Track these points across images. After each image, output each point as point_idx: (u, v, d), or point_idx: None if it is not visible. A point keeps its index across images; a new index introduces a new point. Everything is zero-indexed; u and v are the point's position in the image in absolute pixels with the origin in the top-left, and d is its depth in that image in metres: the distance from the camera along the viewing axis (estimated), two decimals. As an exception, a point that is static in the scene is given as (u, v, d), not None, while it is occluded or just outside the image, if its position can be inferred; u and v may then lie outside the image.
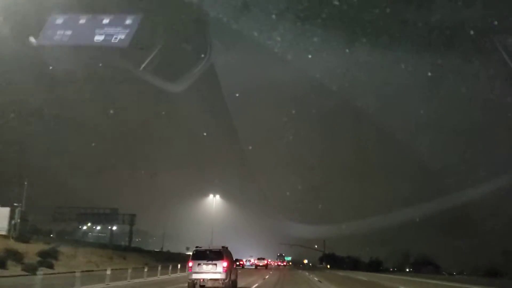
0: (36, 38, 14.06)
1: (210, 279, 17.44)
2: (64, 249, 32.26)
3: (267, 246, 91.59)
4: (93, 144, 44.81)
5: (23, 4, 16.82)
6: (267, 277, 30.78)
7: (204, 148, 67.38)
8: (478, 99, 27.69)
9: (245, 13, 16.95)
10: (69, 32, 13.36)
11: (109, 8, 13.17)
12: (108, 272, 19.21)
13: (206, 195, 67.37)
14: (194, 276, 17.31)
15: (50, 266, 25.05)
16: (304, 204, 78.38)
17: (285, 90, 35.48)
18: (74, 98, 28.16)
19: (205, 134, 54.12)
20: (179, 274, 28.89)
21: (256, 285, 22.04)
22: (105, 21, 12.88)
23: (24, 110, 29.13)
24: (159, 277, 25.19)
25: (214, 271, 17.20)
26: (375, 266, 72.84)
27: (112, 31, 12.77)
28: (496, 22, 16.02)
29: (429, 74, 21.70)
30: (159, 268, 26.93)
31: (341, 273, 50.03)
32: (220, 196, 67.70)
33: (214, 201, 66.20)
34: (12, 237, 31.90)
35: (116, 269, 25.80)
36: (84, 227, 68.36)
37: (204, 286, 18.60)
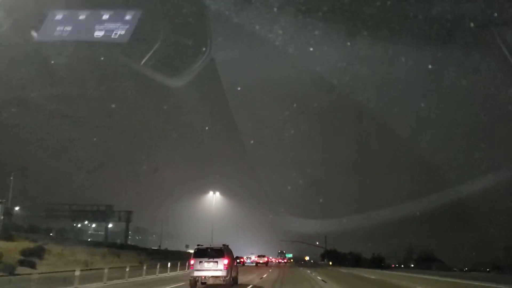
0: (36, 33, 14.06)
1: (212, 276, 17.79)
2: (52, 247, 31.35)
3: (268, 243, 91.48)
4: (95, 139, 44.93)
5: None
6: (265, 276, 28.24)
7: (204, 143, 67.59)
8: (478, 92, 27.71)
9: (247, 6, 16.95)
10: (69, 28, 13.32)
11: (109, 4, 13.14)
12: (106, 271, 18.81)
13: (206, 192, 67.05)
14: (196, 273, 17.65)
15: (32, 266, 23.79)
16: (305, 198, 78.70)
17: (286, 84, 35.44)
18: (74, 94, 28.16)
19: (207, 128, 54.11)
20: (169, 274, 27.32)
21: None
22: (105, 16, 12.86)
23: (24, 105, 29.18)
24: (144, 277, 23.14)
25: (215, 268, 17.54)
26: (377, 263, 72.36)
27: (112, 27, 12.74)
28: (496, 14, 15.99)
29: (430, 67, 21.70)
30: (144, 267, 24.57)
31: (344, 270, 47.60)
32: (220, 193, 67.48)
33: (214, 198, 65.86)
34: (-6, 235, 30.60)
35: (105, 268, 24.70)
36: (79, 225, 67.19)
37: (205, 283, 18.97)
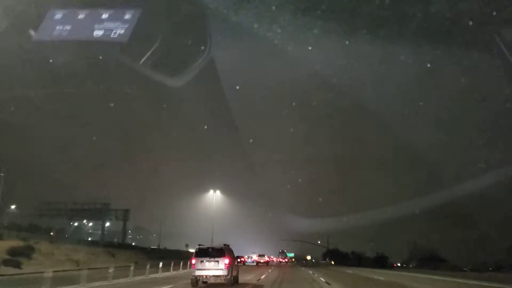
0: (35, 32, 14.07)
1: (213, 276, 18.17)
2: (44, 246, 30.79)
3: (269, 243, 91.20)
4: (94, 138, 44.89)
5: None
6: (263, 277, 26.60)
7: (204, 142, 67.50)
8: (477, 91, 27.74)
9: (245, 5, 17.00)
10: (68, 27, 13.45)
11: (108, 3, 13.18)
12: (85, 272, 18.14)
13: (207, 190, 66.42)
14: (197, 272, 18.12)
15: (18, 266, 23.43)
16: (304, 197, 78.72)
17: (285, 82, 35.52)
18: (72, 93, 28.15)
19: (206, 127, 54.14)
20: (160, 274, 25.94)
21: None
22: (105, 16, 12.95)
23: (23, 105, 29.18)
24: (129, 279, 21.75)
25: (216, 267, 18.01)
26: (381, 262, 71.76)
27: (112, 26, 12.84)
28: (494, 13, 16.02)
29: (429, 65, 21.72)
30: (131, 268, 23.06)
31: (349, 270, 45.17)
32: (221, 192, 66.86)
33: (214, 196, 65.09)
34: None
35: (96, 268, 24.49)
36: (75, 223, 65.50)
37: (206, 282, 19.27)
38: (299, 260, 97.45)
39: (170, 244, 75.11)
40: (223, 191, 67.24)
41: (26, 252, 26.76)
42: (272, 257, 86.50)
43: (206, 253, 18.27)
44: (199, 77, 19.66)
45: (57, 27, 13.50)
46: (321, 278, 26.10)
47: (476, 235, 55.02)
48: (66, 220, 58.60)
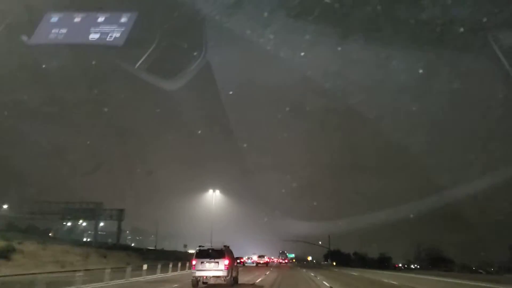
0: (31, 36, 14.12)
1: (213, 276, 18.64)
2: (29, 246, 29.74)
3: (270, 243, 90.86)
4: (88, 142, 44.87)
5: (18, 2, 16.90)
6: (258, 280, 24.68)
7: (201, 146, 67.55)
8: (470, 95, 28.02)
9: (237, 11, 17.19)
10: (64, 31, 13.49)
11: (104, 7, 13.27)
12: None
13: (206, 190, 65.29)
14: (198, 273, 18.65)
15: None
16: (299, 201, 78.85)
17: (279, 87, 35.70)
18: (68, 96, 28.25)
19: (199, 132, 54.21)
20: (145, 278, 24.09)
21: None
22: (101, 19, 13.03)
23: (17, 108, 29.19)
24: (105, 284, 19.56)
25: (216, 268, 18.53)
26: (384, 263, 71.16)
27: (108, 30, 12.91)
28: (485, 19, 16.28)
29: (421, 71, 21.94)
30: (107, 271, 20.60)
31: (353, 272, 42.71)
32: (220, 192, 65.78)
33: (213, 196, 63.89)
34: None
35: (81, 270, 23.15)
36: (69, 224, 63.27)
37: (206, 283, 19.70)
38: (300, 261, 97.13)
39: (168, 245, 74.75)
40: (223, 191, 66.22)
41: (5, 253, 25.55)
42: (272, 258, 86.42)
43: (207, 254, 18.78)
44: (195, 81, 19.82)
45: (53, 31, 13.53)
46: (324, 282, 24.18)
47: (477, 236, 54.73)
48: (59, 220, 56.99)
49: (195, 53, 17.65)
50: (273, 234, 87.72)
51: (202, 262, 18.55)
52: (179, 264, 34.58)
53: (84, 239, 61.16)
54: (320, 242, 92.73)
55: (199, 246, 19.66)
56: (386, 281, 27.98)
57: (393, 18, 16.75)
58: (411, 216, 53.06)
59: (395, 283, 26.00)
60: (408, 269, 68.75)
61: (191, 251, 59.56)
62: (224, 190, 65.95)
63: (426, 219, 58.95)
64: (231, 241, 22.06)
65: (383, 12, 16.26)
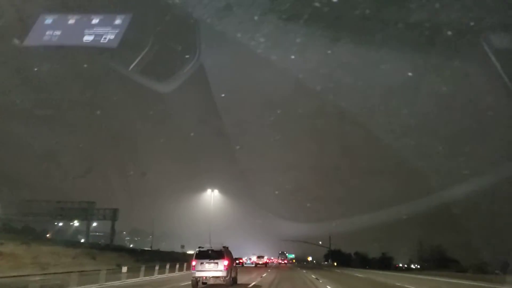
0: (25, 38, 14.20)
1: (212, 277, 19.17)
2: (10, 247, 28.91)
3: (270, 243, 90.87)
4: (80, 145, 44.80)
5: (11, 3, 16.99)
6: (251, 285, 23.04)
7: (196, 147, 67.56)
8: (458, 99, 28.34)
9: (228, 14, 17.40)
10: (58, 32, 13.61)
11: (99, 8, 13.42)
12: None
13: (204, 190, 65.45)
14: (197, 274, 19.24)
15: None
16: (293, 202, 78.97)
17: (271, 90, 35.91)
18: (61, 99, 28.30)
19: (195, 134, 54.24)
20: (125, 282, 22.68)
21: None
22: (95, 21, 13.19)
23: (10, 110, 29.20)
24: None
25: (216, 269, 19.11)
26: (386, 263, 70.42)
27: (102, 31, 13.07)
28: (472, 23, 16.59)
29: (410, 74, 22.22)
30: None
31: (358, 273, 40.07)
32: (219, 191, 65.98)
33: (212, 196, 64.07)
34: None
35: (61, 272, 23.21)
36: (60, 224, 62.29)
37: (206, 283, 20.22)
38: (300, 262, 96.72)
39: (166, 245, 74.68)
40: (222, 191, 66.49)
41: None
42: (272, 258, 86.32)
43: (206, 255, 19.41)
44: (188, 83, 20.01)
45: (47, 33, 13.64)
46: (328, 287, 22.52)
47: (477, 235, 54.29)
48: (50, 220, 56.02)
49: (189, 56, 17.84)
50: (273, 234, 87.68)
51: (201, 263, 19.18)
52: (167, 266, 33.72)
53: (82, 240, 60.26)
54: (320, 242, 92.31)
55: (199, 247, 20.25)
56: (398, 284, 24.95)
57: (382, 21, 17.05)
58: (404, 217, 53.53)
59: (411, 287, 23.06)
60: (408, 269, 68.07)
61: (190, 251, 59.48)
62: (223, 190, 66.25)
63: (425, 219, 58.97)
64: (231, 242, 22.72)
65: (372, 15, 16.56)
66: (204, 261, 19.35)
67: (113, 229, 58.64)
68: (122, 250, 55.11)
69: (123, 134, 54.50)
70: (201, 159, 74.84)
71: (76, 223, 62.54)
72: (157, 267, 30.47)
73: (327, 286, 22.76)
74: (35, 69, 21.21)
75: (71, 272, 21.12)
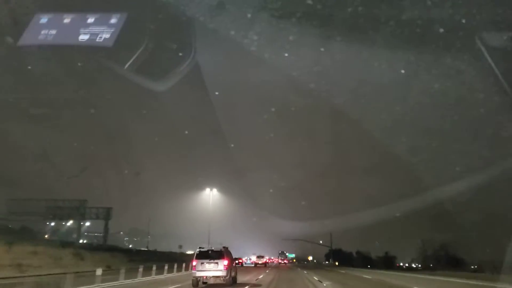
0: (20, 37, 14.25)
1: (213, 276, 19.66)
2: None
3: (270, 243, 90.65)
4: (75, 144, 44.77)
5: (6, 2, 17.03)
6: None
7: (194, 146, 67.72)
8: (451, 96, 28.58)
9: (221, 12, 17.55)
10: (53, 32, 13.69)
11: (94, 7, 13.51)
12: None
13: (203, 189, 64.64)
14: (198, 273, 19.75)
15: None
16: (288, 201, 79.18)
17: (264, 88, 36.15)
18: (56, 98, 28.32)
19: (191, 132, 54.32)
20: (101, 284, 20.85)
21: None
22: (90, 20, 13.29)
23: (5, 109, 29.18)
24: None
25: (216, 269, 19.61)
26: (389, 263, 69.56)
27: (97, 30, 13.17)
28: (464, 21, 16.80)
29: (403, 71, 22.43)
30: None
31: (366, 275, 35.25)
32: (218, 190, 65.03)
33: (211, 195, 63.08)
34: None
35: (39, 275, 22.07)
36: (52, 223, 60.34)
37: (206, 283, 20.72)
38: (301, 261, 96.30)
39: (164, 245, 74.32)
40: (220, 190, 65.52)
41: None
42: (272, 258, 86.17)
43: (206, 255, 19.97)
44: (184, 81, 20.21)
45: (43, 32, 13.72)
46: None
47: (478, 234, 53.74)
48: (40, 219, 54.07)
49: (184, 54, 17.99)
50: (274, 234, 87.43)
51: (202, 263, 19.75)
52: (154, 268, 30.88)
53: (80, 241, 59.41)
54: (321, 241, 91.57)
55: (199, 248, 20.82)
56: None
57: (374, 19, 17.25)
58: (397, 214, 53.65)
59: None
60: (410, 269, 66.99)
61: (190, 252, 59.41)
62: (222, 189, 65.67)
63: (422, 216, 58.88)
64: (231, 242, 23.30)
65: (365, 13, 16.77)
66: (205, 261, 19.91)
67: (107, 228, 57.55)
68: (115, 250, 53.57)
69: (119, 133, 54.41)
70: (199, 159, 75.03)
71: (70, 222, 61.01)
72: (141, 269, 28.14)
73: None
74: (30, 68, 21.21)
75: (50, 274, 21.04)
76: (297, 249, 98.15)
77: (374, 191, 78.20)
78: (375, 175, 74.34)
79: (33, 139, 43.32)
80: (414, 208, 52.41)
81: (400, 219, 56.14)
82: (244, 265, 64.45)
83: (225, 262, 19.88)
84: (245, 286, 21.48)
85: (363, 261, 77.01)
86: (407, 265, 76.05)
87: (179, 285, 22.01)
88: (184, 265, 39.57)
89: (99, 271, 21.24)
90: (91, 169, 56.80)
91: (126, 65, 15.97)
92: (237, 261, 42.92)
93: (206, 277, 20.17)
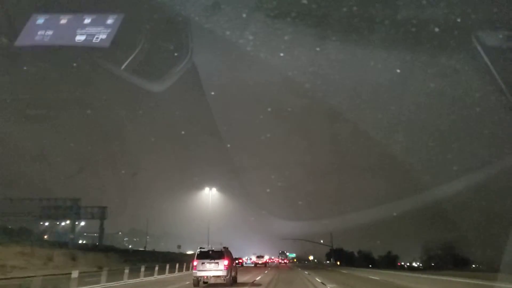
0: (16, 38, 14.27)
1: (213, 276, 19.99)
2: None
3: (271, 243, 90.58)
4: (71, 145, 44.73)
5: (2, 3, 17.05)
6: None
7: (192, 146, 67.80)
8: (446, 95, 28.71)
9: (216, 12, 17.62)
10: (50, 32, 13.72)
11: (91, 8, 13.55)
12: None
13: (202, 188, 64.34)
14: (199, 273, 20.16)
15: None
16: (285, 200, 79.28)
17: (260, 88, 36.21)
18: (52, 98, 28.32)
19: (190, 132, 54.37)
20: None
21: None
22: (87, 21, 13.33)
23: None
24: None
25: (216, 269, 19.99)
26: (392, 262, 68.89)
27: (94, 31, 13.21)
28: (459, 20, 16.90)
29: (398, 71, 22.54)
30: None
31: (373, 276, 32.52)
32: (217, 190, 64.78)
33: (210, 195, 62.81)
34: None
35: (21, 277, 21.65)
36: (46, 223, 59.04)
37: (207, 282, 21.10)
38: (301, 261, 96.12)
39: (164, 246, 74.21)
40: (220, 189, 65.24)
41: None
42: (273, 258, 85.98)
43: (207, 255, 20.40)
44: (181, 82, 20.25)
45: (39, 32, 13.75)
46: None
47: (478, 233, 53.42)
48: (31, 219, 52.09)
49: (180, 55, 18.05)
50: (274, 234, 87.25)
51: (203, 263, 20.20)
52: (143, 268, 29.40)
53: (80, 241, 58.86)
54: (321, 241, 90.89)
55: (200, 248, 21.17)
56: None
57: (369, 18, 17.35)
58: (394, 214, 53.73)
59: None
60: (411, 268, 66.48)
61: (190, 252, 59.27)
62: (221, 189, 65.39)
63: (421, 215, 58.81)
64: (231, 242, 23.78)
65: (359, 13, 16.87)
66: (205, 261, 20.40)
67: (102, 228, 56.78)
68: (111, 250, 53.08)
69: (116, 134, 54.40)
70: (197, 159, 75.04)
71: (67, 222, 59.05)
72: (126, 270, 25.91)
73: None
74: (27, 69, 21.24)
75: (34, 276, 19.81)
76: (298, 249, 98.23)
77: (374, 190, 78.62)
78: (374, 174, 74.63)
79: (29, 140, 43.28)
80: (413, 207, 52.57)
81: (399, 218, 56.23)
82: (244, 265, 64.48)
83: (225, 262, 20.34)
84: (245, 286, 21.78)
85: (365, 260, 76.54)
86: (408, 264, 75.68)
87: None
88: (177, 265, 38.51)
89: (75, 274, 19.45)
90: (88, 169, 56.71)
91: (123, 66, 16.00)
92: (237, 261, 43.08)
93: (207, 276, 20.61)
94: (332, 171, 77.49)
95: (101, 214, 54.70)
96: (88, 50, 14.22)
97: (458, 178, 41.03)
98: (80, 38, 13.39)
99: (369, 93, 29.71)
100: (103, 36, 13.09)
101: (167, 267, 35.35)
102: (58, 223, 59.47)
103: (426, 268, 62.56)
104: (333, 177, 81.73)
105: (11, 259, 28.38)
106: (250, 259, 74.27)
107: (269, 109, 40.07)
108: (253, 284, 22.51)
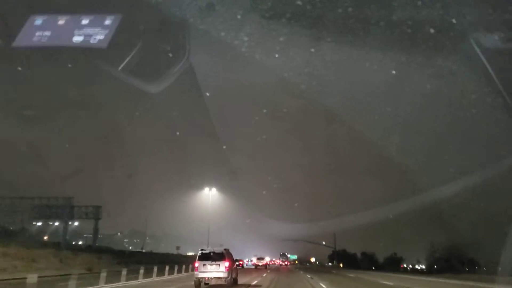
0: (14, 39, 14.31)
1: (214, 277, 20.34)
2: None
3: (271, 244, 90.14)
4: (65, 146, 44.69)
5: (1, 4, 17.12)
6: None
7: (188, 147, 67.85)
8: (442, 96, 28.88)
9: (211, 13, 17.74)
10: (48, 33, 13.77)
11: (88, 9, 13.63)
12: None
13: (202, 188, 63.64)
14: (200, 275, 20.55)
15: None
16: (281, 202, 79.37)
17: (255, 89, 36.40)
18: (50, 98, 28.41)
19: (177, 133, 54.31)
20: None
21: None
22: (85, 21, 13.39)
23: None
24: None
25: (217, 270, 20.39)
26: (395, 264, 67.82)
27: (91, 32, 13.28)
28: (454, 21, 17.04)
29: (393, 72, 22.67)
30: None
31: (386, 281, 29.08)
32: (217, 190, 63.78)
33: (210, 195, 61.81)
34: None
35: None
36: (39, 223, 56.62)
37: (208, 284, 21.47)
38: (303, 263, 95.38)
39: (164, 247, 73.94)
40: (220, 189, 64.25)
41: None
42: (274, 259, 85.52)
43: (208, 257, 20.81)
44: (178, 83, 20.35)
45: (37, 33, 13.78)
46: None
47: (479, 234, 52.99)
48: (26, 218, 51.19)
49: (177, 56, 18.13)
50: (274, 235, 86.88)
51: (204, 264, 20.55)
52: (125, 272, 26.44)
53: (80, 242, 58.27)
54: (323, 242, 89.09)
55: (201, 250, 21.64)
56: None
57: (364, 20, 17.46)
58: (391, 216, 53.82)
59: None
60: (414, 271, 65.75)
61: (190, 253, 59.00)
62: (221, 189, 64.87)
63: (426, 217, 58.60)
64: (231, 243, 24.12)
65: (354, 14, 16.98)
66: (206, 262, 20.82)
67: (96, 228, 55.55)
68: (105, 251, 51.69)
69: (113, 135, 54.56)
70: (196, 160, 75.03)
71: (54, 222, 57.75)
72: (104, 274, 23.51)
73: None
74: (24, 70, 21.31)
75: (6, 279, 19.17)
76: (299, 250, 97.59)
77: (371, 192, 78.76)
78: (371, 176, 74.74)
79: (27, 140, 43.34)
80: (410, 208, 52.66)
81: (399, 219, 56.31)
82: (245, 266, 64.46)
83: (226, 263, 20.76)
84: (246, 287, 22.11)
85: (369, 262, 75.45)
86: (410, 266, 74.95)
87: None
88: (167, 268, 35.78)
89: (32, 279, 17.36)
90: (85, 170, 56.77)
91: (120, 67, 16.05)
92: (237, 263, 43.05)
93: (208, 278, 20.99)
94: (328, 172, 77.79)
95: (95, 213, 53.54)
96: (86, 51, 14.28)
97: (455, 180, 41.20)
98: (77, 39, 13.43)
99: (364, 94, 29.89)
100: (101, 37, 13.15)
101: (155, 270, 32.49)
102: (51, 223, 57.85)
103: (430, 271, 61.45)
104: (330, 178, 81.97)
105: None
106: (251, 260, 74.19)
107: (264, 110, 40.31)
108: (252, 285, 22.74)
